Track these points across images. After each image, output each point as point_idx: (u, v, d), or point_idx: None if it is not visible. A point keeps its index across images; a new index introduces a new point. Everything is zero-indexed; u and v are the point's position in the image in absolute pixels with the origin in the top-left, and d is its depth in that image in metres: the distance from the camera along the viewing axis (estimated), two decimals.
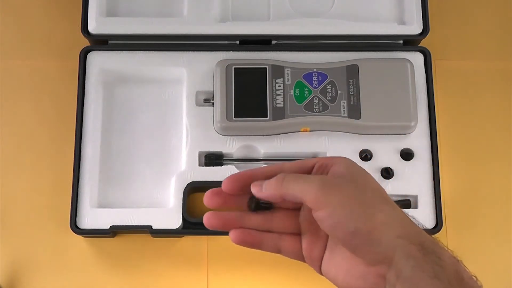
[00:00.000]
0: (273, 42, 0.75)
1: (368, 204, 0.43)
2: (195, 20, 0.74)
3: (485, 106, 0.77)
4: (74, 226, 0.69)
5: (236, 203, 0.47)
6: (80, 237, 0.70)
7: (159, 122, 0.74)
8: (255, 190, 0.45)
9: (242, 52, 0.74)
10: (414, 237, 0.42)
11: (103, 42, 0.74)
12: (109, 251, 0.71)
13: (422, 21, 0.75)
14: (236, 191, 0.46)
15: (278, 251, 0.48)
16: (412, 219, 0.44)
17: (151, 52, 0.74)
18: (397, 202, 0.69)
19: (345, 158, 0.46)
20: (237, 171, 0.70)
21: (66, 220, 0.69)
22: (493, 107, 0.77)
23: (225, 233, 0.71)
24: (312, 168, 0.46)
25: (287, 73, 0.71)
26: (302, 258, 0.47)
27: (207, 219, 0.46)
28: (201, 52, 0.74)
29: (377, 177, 0.70)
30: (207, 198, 0.46)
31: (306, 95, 0.70)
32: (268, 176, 0.45)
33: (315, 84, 0.71)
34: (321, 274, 0.47)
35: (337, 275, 0.45)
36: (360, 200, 0.43)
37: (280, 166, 0.47)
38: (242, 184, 0.46)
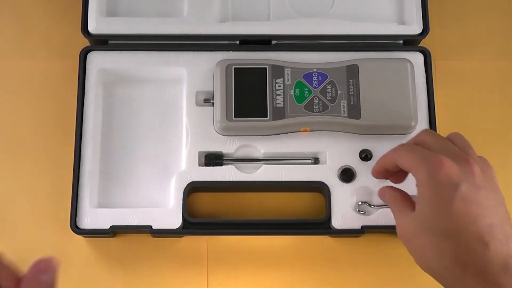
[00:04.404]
0: (273, 42, 0.75)
1: None
2: (195, 20, 0.74)
3: (485, 106, 0.77)
4: (74, 226, 0.69)
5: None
6: (80, 237, 0.70)
7: (159, 122, 0.74)
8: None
9: (242, 52, 0.74)
10: None
11: (103, 42, 0.74)
12: (109, 251, 0.71)
13: (422, 21, 0.75)
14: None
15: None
16: None
17: (151, 52, 0.74)
18: None
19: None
20: (237, 171, 0.70)
21: (66, 220, 0.69)
22: (493, 107, 0.77)
23: (225, 233, 0.71)
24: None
25: (287, 73, 0.71)
26: None
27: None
28: (201, 52, 0.74)
29: None
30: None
31: (306, 95, 0.70)
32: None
33: (315, 84, 0.71)
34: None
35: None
36: None
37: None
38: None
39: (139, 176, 0.72)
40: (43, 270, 0.42)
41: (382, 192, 0.61)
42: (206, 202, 0.73)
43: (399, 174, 0.61)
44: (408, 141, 0.59)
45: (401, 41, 0.75)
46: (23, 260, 0.71)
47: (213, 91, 0.71)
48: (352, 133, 0.71)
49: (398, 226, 0.56)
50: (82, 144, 0.71)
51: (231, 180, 0.70)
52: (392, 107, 0.70)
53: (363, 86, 0.71)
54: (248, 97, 0.70)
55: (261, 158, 0.72)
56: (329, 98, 0.70)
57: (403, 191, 0.59)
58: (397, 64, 0.72)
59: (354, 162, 0.71)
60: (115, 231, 0.69)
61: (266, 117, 0.70)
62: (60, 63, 0.76)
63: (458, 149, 0.55)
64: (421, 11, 0.75)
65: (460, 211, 0.50)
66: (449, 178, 0.51)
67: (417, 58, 0.74)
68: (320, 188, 0.71)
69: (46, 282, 0.42)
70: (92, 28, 0.74)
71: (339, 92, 0.70)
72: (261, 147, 0.72)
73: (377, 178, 0.63)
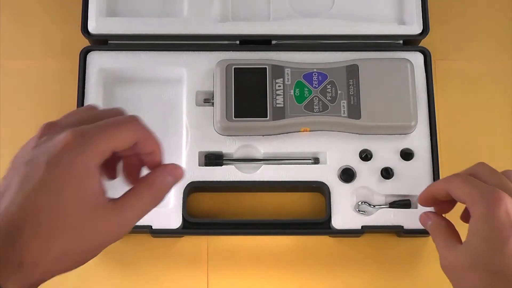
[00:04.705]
0: (273, 42, 0.75)
1: None
2: (195, 20, 0.74)
3: (485, 106, 0.77)
4: None
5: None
6: None
7: (159, 122, 0.74)
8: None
9: (242, 52, 0.74)
10: None
11: (103, 42, 0.74)
12: (109, 251, 0.71)
13: (422, 21, 0.75)
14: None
15: None
16: None
17: (151, 52, 0.74)
18: (397, 202, 0.70)
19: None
20: (237, 171, 0.70)
21: None
22: (493, 107, 0.77)
23: (225, 233, 0.71)
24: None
25: (287, 73, 0.71)
26: None
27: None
28: (201, 52, 0.74)
29: (377, 177, 0.70)
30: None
31: (306, 95, 0.70)
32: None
33: (315, 84, 0.71)
34: None
35: None
36: None
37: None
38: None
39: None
40: (172, 174, 0.48)
41: (424, 218, 0.58)
42: (206, 202, 0.73)
43: (446, 204, 0.58)
44: (462, 172, 0.56)
45: (401, 41, 0.75)
46: None
47: (213, 91, 0.71)
48: (352, 133, 0.71)
49: (442, 258, 0.54)
50: None
51: (231, 180, 0.70)
52: (392, 107, 0.70)
53: (363, 86, 0.71)
54: (248, 97, 0.70)
55: (261, 158, 0.72)
56: (329, 98, 0.70)
57: (449, 220, 0.57)
58: (397, 64, 0.72)
59: (354, 162, 0.71)
60: None
61: (266, 117, 0.70)
62: (60, 63, 0.76)
63: None
64: (421, 11, 0.75)
65: None
66: (508, 216, 0.50)
67: (417, 58, 0.74)
68: (320, 188, 0.71)
69: (167, 183, 0.48)
70: (92, 28, 0.74)
71: (339, 92, 0.70)
72: (261, 147, 0.72)
73: (423, 205, 0.60)
